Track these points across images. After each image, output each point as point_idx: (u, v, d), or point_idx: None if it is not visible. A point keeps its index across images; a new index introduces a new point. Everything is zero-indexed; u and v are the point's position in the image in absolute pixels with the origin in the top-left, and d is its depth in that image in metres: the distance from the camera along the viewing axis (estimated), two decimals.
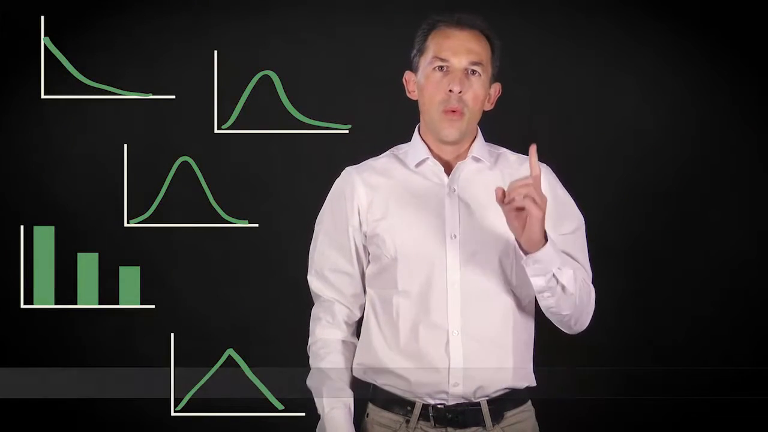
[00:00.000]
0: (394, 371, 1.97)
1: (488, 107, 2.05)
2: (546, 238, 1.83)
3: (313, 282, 2.11)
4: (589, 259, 2.11)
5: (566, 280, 1.89)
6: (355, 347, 2.08)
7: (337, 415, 1.98)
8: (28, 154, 3.26)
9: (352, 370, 2.08)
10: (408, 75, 2.07)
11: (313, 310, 2.12)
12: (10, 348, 3.27)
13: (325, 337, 2.07)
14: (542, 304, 1.96)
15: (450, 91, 1.95)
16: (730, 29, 3.17)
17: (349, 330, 2.09)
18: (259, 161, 3.30)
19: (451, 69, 1.97)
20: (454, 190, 2.00)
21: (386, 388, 2.00)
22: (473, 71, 1.97)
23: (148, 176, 3.19)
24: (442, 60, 1.97)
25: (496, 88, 2.06)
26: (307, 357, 2.11)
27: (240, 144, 3.25)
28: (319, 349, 2.06)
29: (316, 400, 2.03)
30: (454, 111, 1.95)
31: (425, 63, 2.01)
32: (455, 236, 1.97)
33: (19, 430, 3.27)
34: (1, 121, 3.25)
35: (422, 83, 2.01)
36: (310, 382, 2.06)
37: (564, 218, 2.04)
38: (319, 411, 2.02)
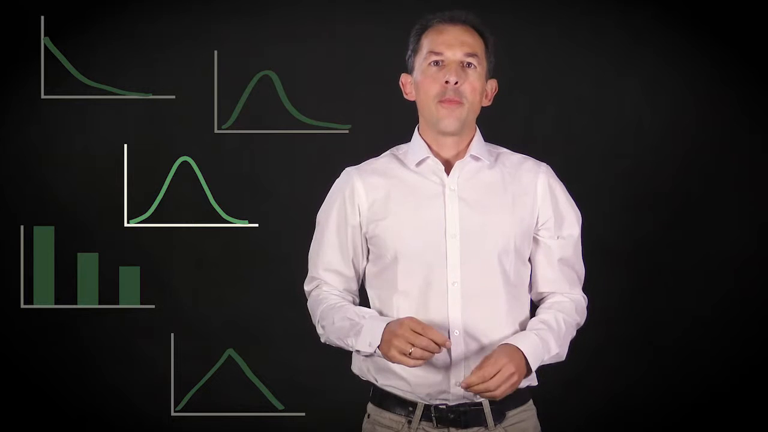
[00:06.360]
0: (395, 371, 1.97)
1: (486, 103, 2.05)
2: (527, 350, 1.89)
3: (307, 285, 2.12)
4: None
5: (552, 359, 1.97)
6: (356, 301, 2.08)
7: (373, 315, 1.94)
8: (28, 154, 3.26)
9: (352, 362, 2.08)
10: (404, 77, 2.07)
11: (308, 300, 2.13)
12: (10, 348, 3.27)
13: (324, 291, 2.07)
14: None
15: (446, 82, 1.95)
16: (731, 29, 3.17)
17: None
18: (260, 161, 3.30)
19: (447, 62, 1.97)
20: (454, 190, 2.00)
21: (387, 388, 2.00)
22: (468, 63, 1.97)
23: (148, 176, 3.20)
24: (437, 54, 1.97)
25: (492, 85, 2.06)
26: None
27: (240, 144, 3.25)
28: (322, 299, 2.05)
29: (342, 334, 1.95)
30: (451, 101, 1.95)
31: (420, 60, 2.00)
32: (455, 235, 1.97)
33: (19, 429, 3.27)
34: (1, 121, 3.25)
35: (419, 80, 2.01)
36: (326, 324, 2.00)
37: (563, 221, 2.04)
38: (350, 343, 1.94)
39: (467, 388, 1.81)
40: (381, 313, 2.00)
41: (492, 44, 2.02)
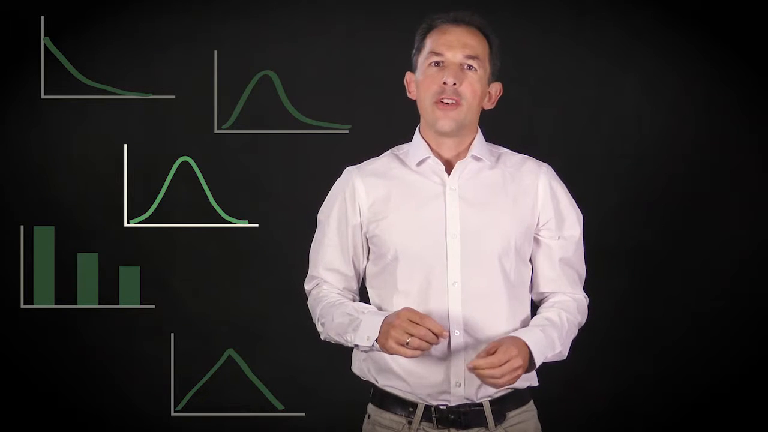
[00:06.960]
0: (395, 371, 1.97)
1: (489, 106, 2.05)
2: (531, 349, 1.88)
3: (307, 284, 2.12)
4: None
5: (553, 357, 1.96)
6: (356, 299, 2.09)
7: (372, 310, 1.94)
8: (28, 154, 3.26)
9: (353, 362, 2.08)
10: (408, 76, 2.07)
11: (308, 298, 2.13)
12: (10, 348, 3.27)
13: (324, 290, 2.07)
14: None
15: (444, 83, 1.95)
16: (731, 29, 3.17)
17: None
18: (259, 161, 3.30)
19: (447, 63, 1.97)
20: (455, 190, 2.00)
21: (387, 389, 2.00)
22: (469, 66, 1.97)
23: (148, 176, 3.19)
24: (438, 54, 1.97)
25: (496, 88, 2.05)
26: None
27: (240, 144, 3.25)
28: (322, 297, 2.05)
29: (341, 330, 1.94)
30: (448, 102, 1.95)
31: (422, 60, 2.01)
32: (456, 235, 1.97)
33: (20, 428, 3.27)
34: (1, 121, 3.25)
35: (419, 79, 2.01)
36: (326, 321, 2.00)
37: (563, 221, 2.04)
38: (349, 338, 1.93)
39: (473, 369, 1.81)
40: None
41: (497, 46, 2.02)
